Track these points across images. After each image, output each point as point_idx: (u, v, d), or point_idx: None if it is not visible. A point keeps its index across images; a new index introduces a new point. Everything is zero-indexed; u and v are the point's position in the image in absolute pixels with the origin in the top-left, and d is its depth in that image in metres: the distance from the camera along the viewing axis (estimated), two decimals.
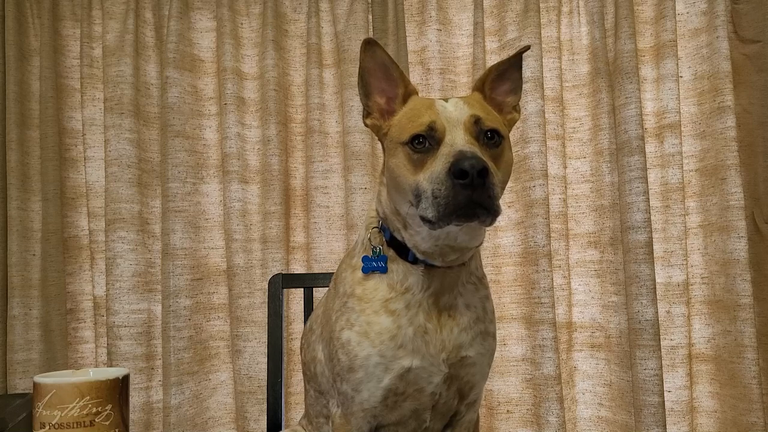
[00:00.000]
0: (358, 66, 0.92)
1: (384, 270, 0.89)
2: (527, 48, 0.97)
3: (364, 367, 0.87)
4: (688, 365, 2.07)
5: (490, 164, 0.78)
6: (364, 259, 0.91)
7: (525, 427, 2.08)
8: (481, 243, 0.91)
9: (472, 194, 0.74)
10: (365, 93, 0.93)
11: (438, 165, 0.78)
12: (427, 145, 0.82)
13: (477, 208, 0.75)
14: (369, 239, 0.92)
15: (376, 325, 0.87)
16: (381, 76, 0.91)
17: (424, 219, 0.80)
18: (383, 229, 0.92)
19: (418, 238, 0.86)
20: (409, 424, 0.94)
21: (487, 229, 2.24)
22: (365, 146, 2.09)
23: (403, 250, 0.89)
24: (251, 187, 2.15)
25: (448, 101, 0.87)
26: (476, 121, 0.83)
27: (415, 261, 0.88)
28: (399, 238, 0.90)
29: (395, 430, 0.94)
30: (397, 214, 0.88)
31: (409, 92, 0.92)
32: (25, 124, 2.14)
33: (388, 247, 0.91)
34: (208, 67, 2.22)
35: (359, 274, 0.91)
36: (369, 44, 0.89)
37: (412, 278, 0.88)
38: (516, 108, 0.96)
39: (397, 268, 0.89)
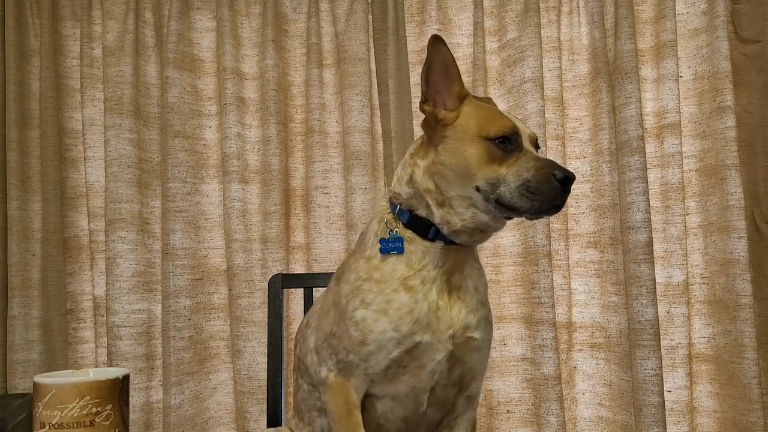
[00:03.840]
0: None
1: (401, 250, 0.96)
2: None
3: (378, 341, 0.92)
4: (688, 365, 2.07)
5: None
6: (381, 241, 0.98)
7: (525, 427, 2.08)
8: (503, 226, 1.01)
9: (564, 196, 0.90)
10: (427, 82, 1.01)
11: (529, 165, 0.91)
12: (508, 145, 0.93)
13: (557, 208, 0.91)
14: (386, 223, 1.00)
15: (395, 302, 0.93)
16: (441, 71, 1.00)
17: (502, 203, 0.91)
18: (400, 213, 0.99)
19: (456, 217, 0.94)
20: (406, 404, 0.97)
21: None
22: (365, 146, 2.09)
23: (422, 229, 0.96)
24: (251, 187, 2.15)
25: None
26: (536, 138, 0.99)
27: (434, 239, 0.96)
28: (424, 214, 0.97)
29: (390, 406, 0.97)
30: (437, 192, 0.96)
31: (464, 93, 1.00)
32: (25, 124, 2.14)
33: (406, 229, 0.97)
34: (208, 67, 2.22)
35: (375, 261, 0.97)
36: (437, 40, 0.98)
37: (429, 256, 0.95)
38: None
39: (415, 248, 0.96)
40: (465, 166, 0.94)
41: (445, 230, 0.95)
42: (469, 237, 0.96)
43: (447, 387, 0.98)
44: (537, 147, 0.99)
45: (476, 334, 0.96)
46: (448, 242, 0.96)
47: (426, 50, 1.00)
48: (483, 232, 0.97)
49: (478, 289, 0.99)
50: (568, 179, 0.89)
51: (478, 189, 0.93)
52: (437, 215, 0.95)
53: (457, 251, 0.96)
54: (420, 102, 1.02)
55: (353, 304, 0.95)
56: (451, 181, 0.95)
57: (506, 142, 0.93)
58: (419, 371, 0.94)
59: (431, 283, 0.94)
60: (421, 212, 0.97)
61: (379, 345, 0.92)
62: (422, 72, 1.00)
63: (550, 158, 1.03)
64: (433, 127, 1.00)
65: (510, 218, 0.95)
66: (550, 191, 0.89)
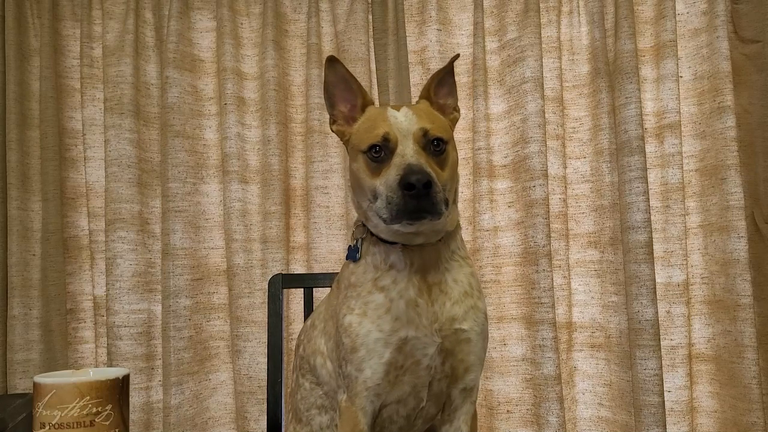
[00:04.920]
0: (322, 80, 1.06)
1: (355, 258, 1.00)
2: (458, 56, 1.13)
3: (365, 344, 0.93)
4: (688, 365, 2.07)
5: (436, 171, 0.91)
6: (348, 248, 1.03)
7: (525, 427, 2.08)
8: (448, 226, 0.99)
9: (418, 202, 0.86)
10: (330, 103, 1.04)
11: (391, 174, 0.90)
12: (383, 154, 0.93)
13: (423, 213, 0.88)
14: (353, 233, 1.04)
15: (372, 302, 0.95)
16: (343, 88, 1.03)
17: (379, 216, 0.92)
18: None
19: (378, 229, 0.97)
20: (408, 403, 0.98)
21: (487, 229, 2.22)
22: None
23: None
24: (251, 187, 2.15)
25: (400, 111, 0.97)
26: (424, 133, 0.94)
27: (393, 242, 0.97)
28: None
29: (396, 409, 0.98)
30: (360, 208, 1.00)
31: (366, 102, 1.03)
32: (25, 124, 2.14)
33: (371, 235, 1.00)
34: (208, 67, 2.22)
35: (352, 266, 1.01)
36: (331, 61, 1.01)
37: (394, 256, 0.97)
38: (456, 108, 1.08)
39: (379, 250, 0.98)
40: (356, 181, 0.97)
41: (387, 238, 0.97)
42: (410, 242, 0.95)
43: (441, 380, 0.98)
44: (434, 140, 0.94)
45: (464, 325, 0.97)
46: (405, 244, 0.96)
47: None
48: (420, 235, 0.94)
49: (458, 281, 0.98)
50: (410, 185, 0.85)
51: (371, 201, 0.94)
52: (370, 227, 0.99)
53: (422, 250, 0.96)
54: (329, 123, 1.06)
55: (343, 311, 0.97)
56: (358, 195, 0.99)
57: (380, 152, 0.93)
58: (417, 368, 0.95)
59: (405, 282, 0.95)
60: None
61: (369, 349, 0.93)
62: (324, 94, 1.04)
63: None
64: (346, 145, 1.04)
65: (412, 224, 0.90)
66: (399, 199, 0.87)
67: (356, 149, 0.97)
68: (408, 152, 0.91)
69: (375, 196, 0.92)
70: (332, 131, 1.06)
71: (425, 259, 0.97)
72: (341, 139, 1.05)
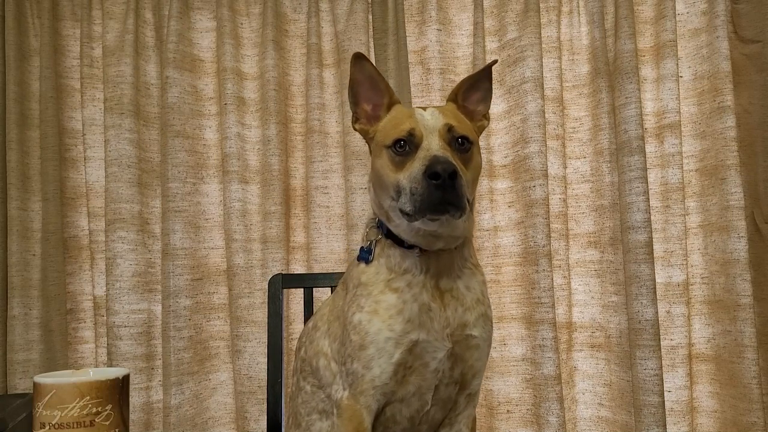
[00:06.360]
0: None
1: (367, 260, 0.99)
2: (495, 62, 1.11)
3: (375, 342, 0.93)
4: (688, 365, 2.07)
5: (460, 166, 0.90)
6: (360, 249, 1.02)
7: (525, 427, 2.08)
8: (466, 233, 0.99)
9: (443, 193, 0.85)
10: (354, 101, 1.04)
11: (416, 166, 0.89)
12: (407, 148, 0.93)
13: (447, 205, 0.87)
14: (366, 234, 1.03)
15: (384, 302, 0.95)
16: (368, 86, 1.03)
17: (402, 212, 0.91)
18: (380, 224, 1.02)
19: (400, 229, 0.96)
20: (412, 404, 0.98)
21: (487, 228, 2.22)
22: (365, 146, 2.08)
23: (399, 239, 0.98)
24: (251, 187, 2.15)
25: (426, 110, 0.98)
26: (449, 129, 0.94)
27: (410, 247, 0.97)
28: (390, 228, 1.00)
29: (399, 408, 0.98)
30: (381, 207, 0.99)
31: (392, 102, 1.03)
32: (25, 124, 2.14)
33: (386, 238, 0.99)
34: (208, 67, 2.22)
35: (362, 266, 1.00)
36: (358, 58, 1.01)
37: (409, 261, 0.96)
38: (486, 116, 1.08)
39: (394, 253, 0.98)
40: (378, 178, 0.97)
41: (406, 241, 0.96)
42: (430, 246, 0.95)
43: (449, 386, 0.99)
44: (459, 137, 0.94)
45: (475, 332, 0.97)
46: (424, 249, 0.96)
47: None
48: (440, 238, 0.94)
49: (470, 288, 0.99)
50: (436, 174, 0.85)
51: (393, 198, 0.93)
52: (391, 228, 0.98)
53: (438, 256, 0.96)
54: (351, 121, 1.05)
55: (352, 309, 0.97)
56: (379, 194, 0.98)
57: (405, 146, 0.93)
58: (424, 370, 0.95)
59: (420, 287, 0.95)
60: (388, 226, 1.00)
61: (378, 348, 0.93)
62: (348, 91, 1.03)
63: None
64: (369, 143, 1.04)
65: (434, 220, 0.90)
66: (424, 190, 0.86)
67: (380, 145, 0.97)
68: (433, 146, 0.91)
69: (398, 192, 0.91)
70: (354, 129, 1.05)
71: (440, 265, 0.96)
72: (364, 138, 1.04)
